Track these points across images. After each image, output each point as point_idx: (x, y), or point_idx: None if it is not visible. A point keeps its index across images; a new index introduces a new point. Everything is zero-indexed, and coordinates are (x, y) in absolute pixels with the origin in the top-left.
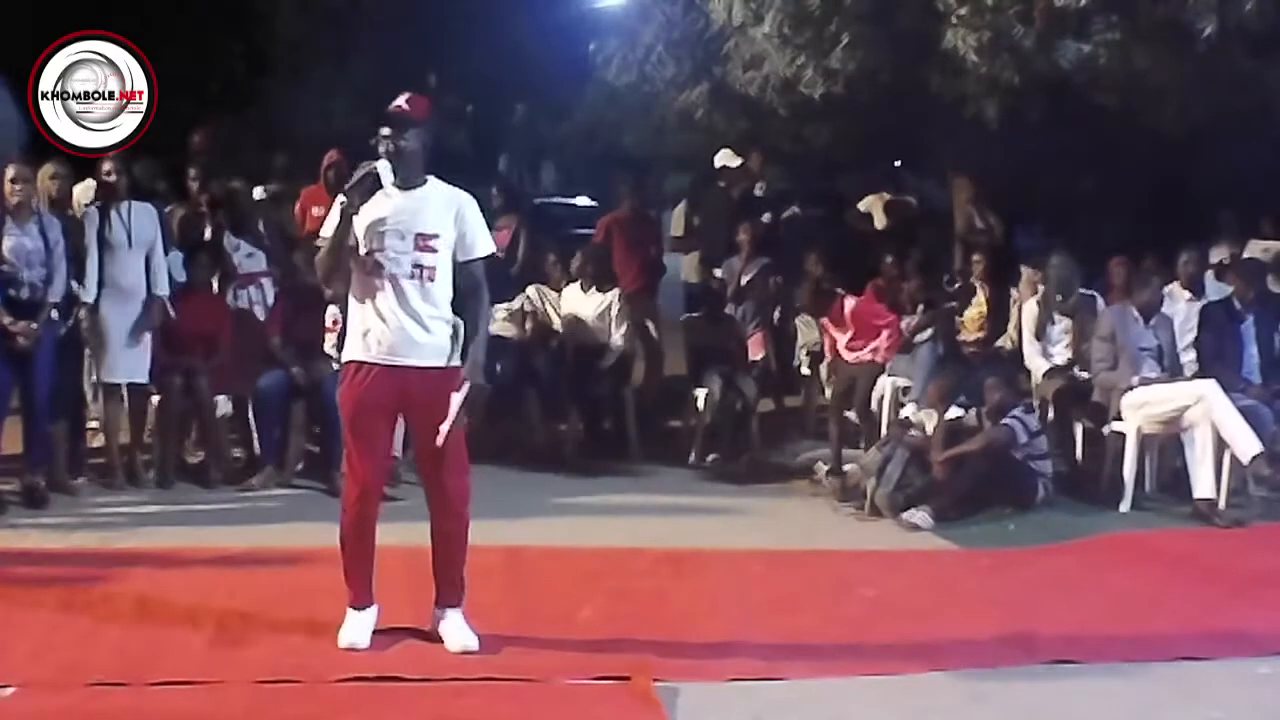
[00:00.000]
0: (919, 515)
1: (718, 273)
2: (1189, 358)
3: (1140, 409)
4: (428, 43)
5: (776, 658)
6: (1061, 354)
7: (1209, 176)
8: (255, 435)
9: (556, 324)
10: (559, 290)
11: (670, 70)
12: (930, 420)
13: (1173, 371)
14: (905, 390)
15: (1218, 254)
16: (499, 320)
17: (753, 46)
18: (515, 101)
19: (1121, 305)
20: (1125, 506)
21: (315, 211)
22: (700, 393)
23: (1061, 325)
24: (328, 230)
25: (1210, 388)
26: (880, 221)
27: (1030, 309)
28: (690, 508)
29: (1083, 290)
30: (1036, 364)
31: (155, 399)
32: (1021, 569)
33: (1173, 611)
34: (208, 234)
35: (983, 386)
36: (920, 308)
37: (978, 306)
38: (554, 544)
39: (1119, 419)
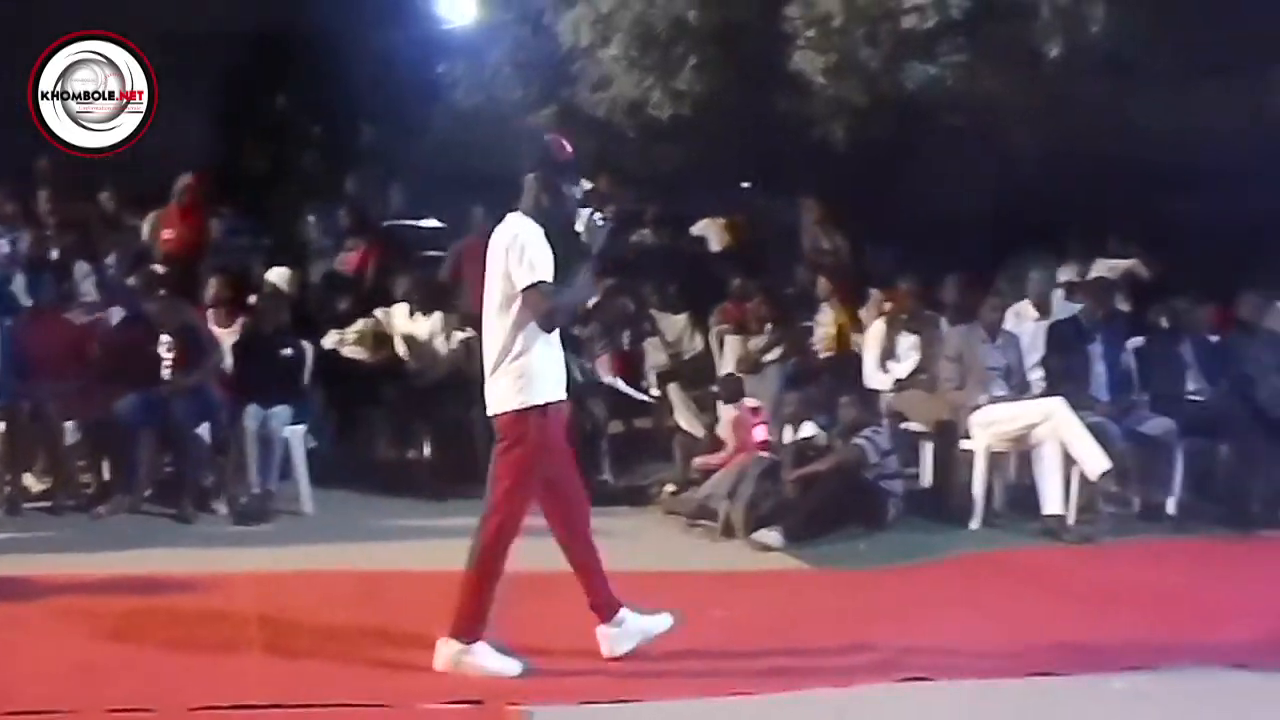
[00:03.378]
0: (770, 535)
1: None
2: (1037, 376)
3: (989, 427)
4: (274, 63)
5: (629, 680)
6: (905, 370)
7: (1058, 195)
8: (106, 461)
9: (402, 348)
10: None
11: (518, 92)
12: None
13: (1020, 390)
14: (755, 410)
15: (1066, 273)
16: (349, 343)
17: (601, 68)
18: (364, 122)
19: (968, 325)
20: (975, 524)
21: (166, 234)
22: None
23: (909, 341)
24: (550, 273)
25: (1058, 405)
26: (717, 244)
27: (877, 328)
28: (542, 530)
29: (927, 311)
30: (877, 381)
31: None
32: (873, 588)
33: (1026, 628)
34: (54, 256)
35: (836, 404)
36: (767, 327)
37: (827, 327)
38: (409, 568)
39: (968, 437)
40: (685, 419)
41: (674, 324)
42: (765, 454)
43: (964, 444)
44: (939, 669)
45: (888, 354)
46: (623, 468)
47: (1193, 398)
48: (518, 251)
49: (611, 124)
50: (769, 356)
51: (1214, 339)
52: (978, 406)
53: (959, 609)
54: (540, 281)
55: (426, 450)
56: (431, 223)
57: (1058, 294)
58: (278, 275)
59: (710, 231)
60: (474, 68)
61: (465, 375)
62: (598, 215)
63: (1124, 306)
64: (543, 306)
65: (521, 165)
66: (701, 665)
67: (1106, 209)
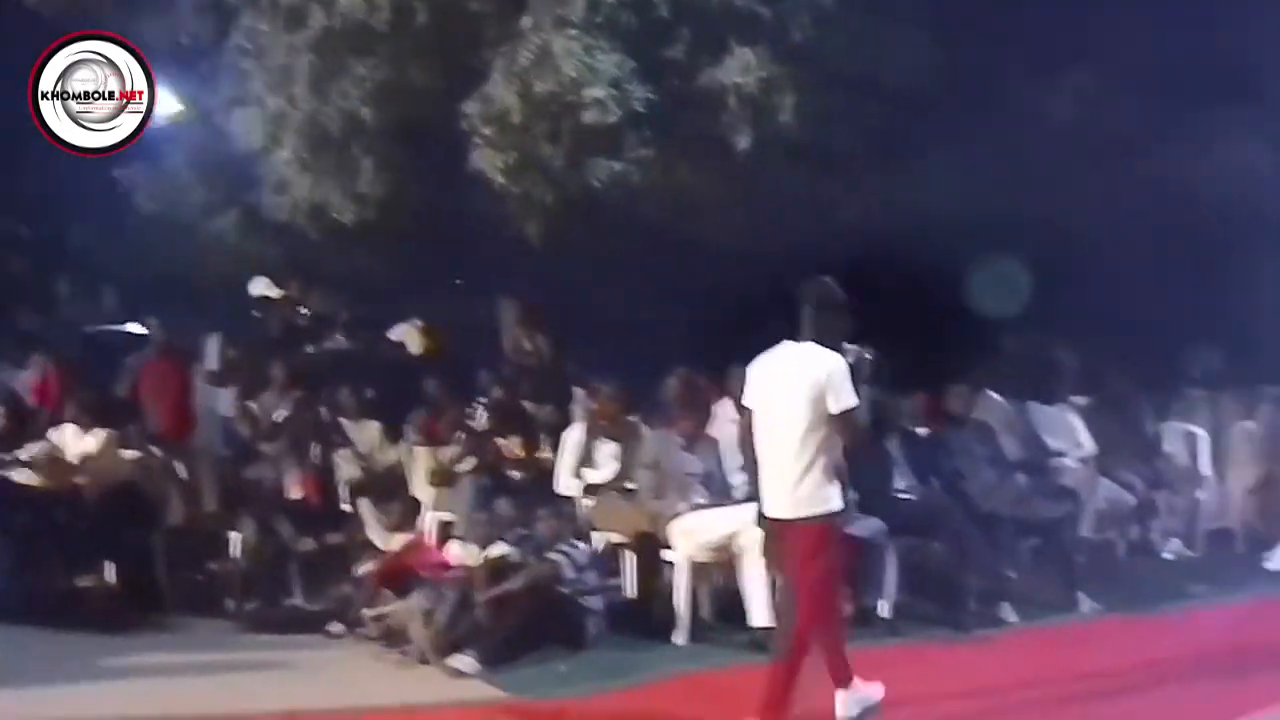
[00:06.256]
0: (464, 660)
1: (252, 406)
2: (740, 480)
3: (689, 536)
4: None
5: None
6: (603, 477)
7: (759, 288)
8: None
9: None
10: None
11: (200, 196)
12: (474, 557)
13: (722, 495)
14: (449, 525)
15: None
16: (18, 467)
17: (278, 171)
18: (69, 224)
19: (665, 431)
20: (681, 639)
21: None
22: (234, 536)
23: (609, 449)
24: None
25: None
26: (416, 349)
27: (575, 435)
28: (228, 664)
29: (630, 418)
30: (564, 485)
31: None
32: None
33: None
34: None
35: (533, 518)
36: (459, 436)
37: (515, 433)
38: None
39: (670, 548)
40: (377, 535)
41: (367, 434)
42: (456, 574)
43: (666, 555)
44: None
45: (585, 461)
46: (315, 590)
47: (902, 495)
48: (839, 378)
49: (294, 227)
50: (461, 467)
51: (922, 433)
52: (677, 515)
53: None
54: (857, 405)
55: (110, 577)
56: (134, 328)
57: None
58: None
59: (409, 336)
60: (154, 170)
61: (143, 496)
62: (862, 350)
63: None
64: (856, 427)
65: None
66: None
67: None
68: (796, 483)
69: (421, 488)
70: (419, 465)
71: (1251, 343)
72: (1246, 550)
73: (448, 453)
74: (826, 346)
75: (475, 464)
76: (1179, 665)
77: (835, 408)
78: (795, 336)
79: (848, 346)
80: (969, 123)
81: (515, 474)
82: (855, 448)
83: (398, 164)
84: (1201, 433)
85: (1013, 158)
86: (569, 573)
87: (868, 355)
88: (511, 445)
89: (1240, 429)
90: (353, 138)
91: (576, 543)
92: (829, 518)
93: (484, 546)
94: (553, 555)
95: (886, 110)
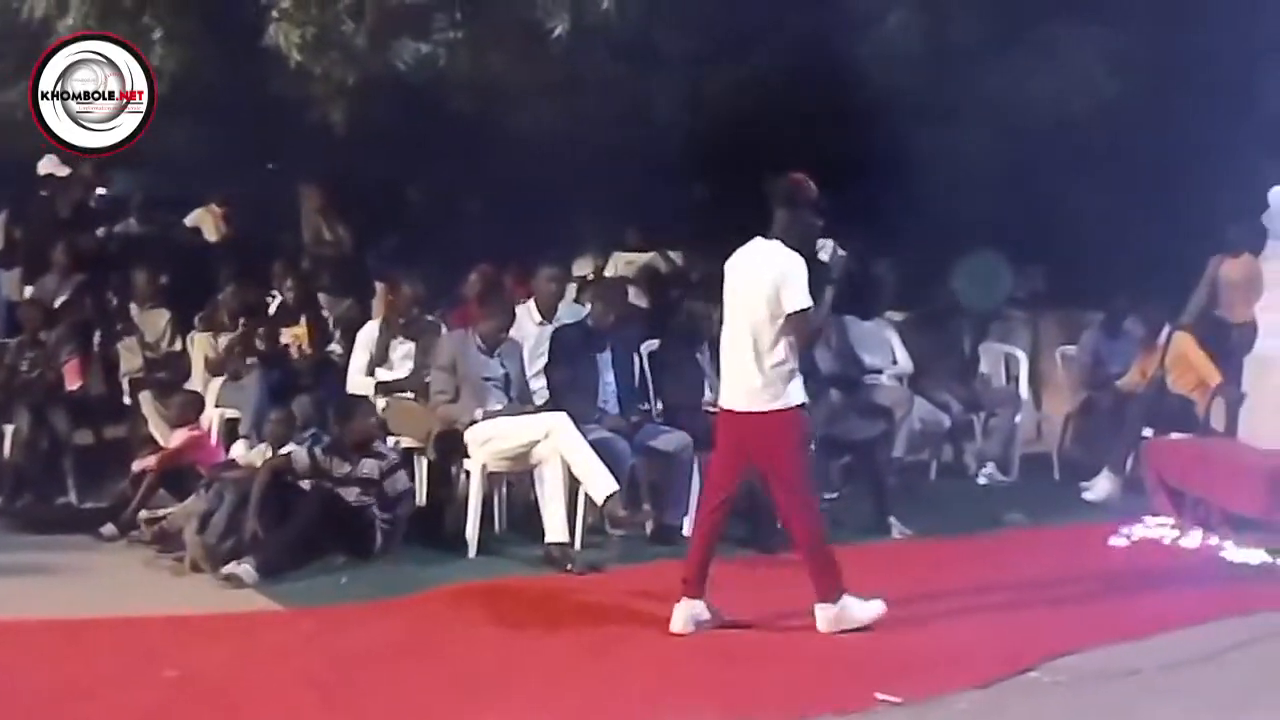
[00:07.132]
0: (241, 569)
1: (29, 291)
2: (540, 385)
3: (485, 444)
4: None
5: None
6: (397, 375)
7: (575, 185)
8: None
9: None
10: None
11: None
12: (261, 458)
13: (522, 402)
14: (236, 423)
15: (582, 267)
16: None
17: None
18: None
19: (463, 331)
20: (473, 552)
21: None
22: (7, 429)
23: (405, 349)
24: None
25: (560, 421)
26: (212, 235)
27: (369, 331)
28: None
29: (429, 317)
30: (355, 385)
31: None
32: (349, 631)
33: (523, 674)
34: None
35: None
36: (240, 323)
37: (301, 325)
38: None
39: (466, 455)
40: (159, 431)
41: (156, 322)
42: (238, 474)
43: (464, 463)
44: None
45: (380, 360)
46: (91, 487)
47: (711, 409)
48: (793, 279)
49: None
50: (239, 356)
51: None
52: (473, 421)
53: (445, 652)
54: (809, 308)
55: None
56: None
57: (569, 293)
58: None
59: (205, 221)
60: None
61: None
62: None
63: (641, 303)
64: (807, 329)
65: (772, 200)
66: None
67: (625, 198)
68: (754, 376)
69: (199, 378)
70: (196, 354)
71: (1074, 266)
72: (1063, 479)
73: (225, 340)
74: (795, 244)
75: (255, 354)
76: (990, 591)
77: (788, 308)
78: (765, 234)
79: (822, 242)
80: (799, 26)
81: (304, 370)
82: (805, 349)
83: (191, 37)
84: (1021, 355)
85: (845, 64)
86: (358, 477)
87: (841, 252)
88: (300, 339)
89: (1060, 353)
90: (145, 7)
91: (378, 447)
92: (796, 409)
93: (274, 447)
94: (340, 459)
95: (712, 7)
